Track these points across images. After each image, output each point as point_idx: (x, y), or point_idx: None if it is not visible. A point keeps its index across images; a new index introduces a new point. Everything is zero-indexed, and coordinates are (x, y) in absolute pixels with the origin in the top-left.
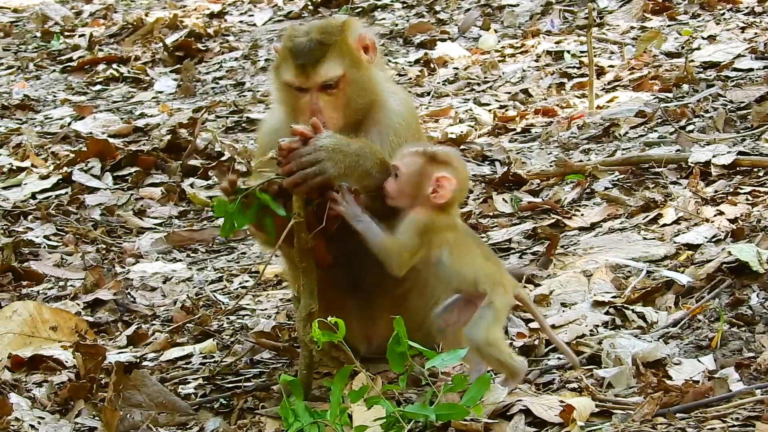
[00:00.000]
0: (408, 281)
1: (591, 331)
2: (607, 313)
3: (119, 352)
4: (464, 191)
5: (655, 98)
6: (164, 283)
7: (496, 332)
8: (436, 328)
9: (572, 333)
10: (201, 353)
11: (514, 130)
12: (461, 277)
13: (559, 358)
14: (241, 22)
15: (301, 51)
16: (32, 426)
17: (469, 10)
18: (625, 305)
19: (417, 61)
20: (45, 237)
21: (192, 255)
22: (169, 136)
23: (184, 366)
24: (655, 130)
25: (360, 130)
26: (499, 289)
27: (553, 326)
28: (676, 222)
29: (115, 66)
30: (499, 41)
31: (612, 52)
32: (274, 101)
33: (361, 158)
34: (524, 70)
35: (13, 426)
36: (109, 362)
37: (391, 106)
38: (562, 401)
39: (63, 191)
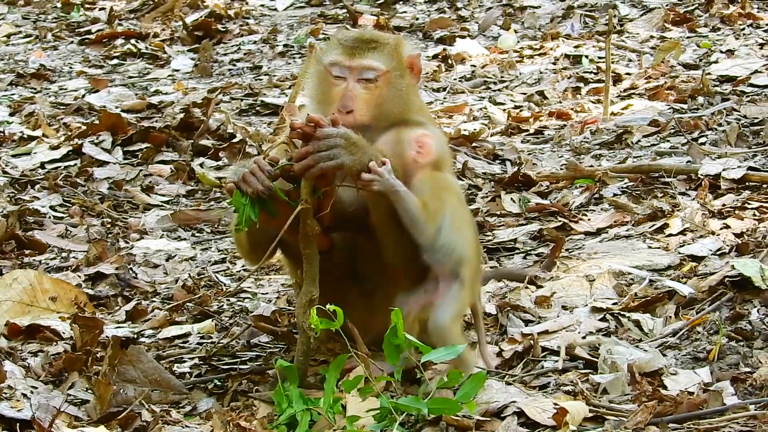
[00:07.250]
0: (408, 274)
1: (584, 337)
2: (604, 319)
3: (117, 327)
4: (446, 146)
5: (669, 108)
6: (167, 260)
7: (458, 321)
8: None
9: (567, 338)
10: (199, 333)
11: (527, 131)
12: (451, 251)
13: (554, 361)
14: (262, 6)
15: (353, 38)
16: (24, 395)
17: (490, 8)
18: (624, 312)
19: (435, 57)
20: (51, 207)
21: (197, 234)
22: (182, 115)
23: (181, 345)
24: (668, 140)
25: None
26: (475, 278)
27: (546, 332)
28: (682, 233)
29: (133, 41)
30: (518, 42)
31: (630, 60)
32: (306, 97)
33: (376, 161)
34: (541, 72)
35: (6, 393)
36: (106, 336)
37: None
38: (556, 404)
39: (72, 163)
